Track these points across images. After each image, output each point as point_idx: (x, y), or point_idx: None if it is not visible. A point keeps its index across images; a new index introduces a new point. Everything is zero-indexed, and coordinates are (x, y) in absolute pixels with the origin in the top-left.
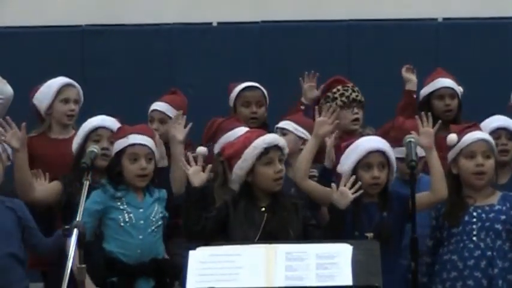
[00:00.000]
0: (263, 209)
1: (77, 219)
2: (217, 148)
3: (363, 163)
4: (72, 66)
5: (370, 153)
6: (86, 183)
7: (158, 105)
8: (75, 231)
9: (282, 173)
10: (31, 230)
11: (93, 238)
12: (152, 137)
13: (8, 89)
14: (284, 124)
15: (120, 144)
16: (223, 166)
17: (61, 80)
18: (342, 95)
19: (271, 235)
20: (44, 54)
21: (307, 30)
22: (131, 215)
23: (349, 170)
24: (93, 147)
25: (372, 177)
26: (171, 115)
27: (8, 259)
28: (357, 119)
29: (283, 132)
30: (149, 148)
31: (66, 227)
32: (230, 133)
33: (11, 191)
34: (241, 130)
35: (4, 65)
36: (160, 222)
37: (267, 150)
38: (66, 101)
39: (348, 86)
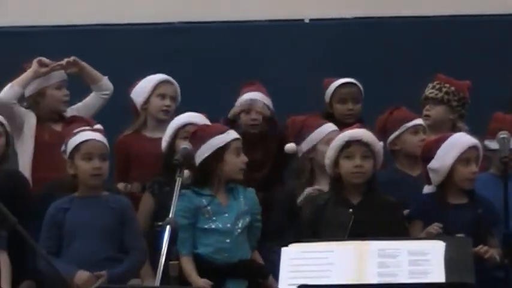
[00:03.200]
0: (351, 210)
1: (170, 215)
2: (305, 146)
3: (462, 158)
4: (161, 62)
5: (470, 148)
6: (179, 180)
7: (254, 95)
8: (168, 227)
9: (361, 168)
10: (129, 231)
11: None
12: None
13: (111, 85)
14: None
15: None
16: (312, 164)
17: (159, 76)
18: (423, 93)
19: (359, 235)
20: (131, 51)
21: (394, 26)
22: (217, 222)
23: (448, 165)
24: (186, 144)
25: (472, 172)
26: (266, 102)
27: (107, 262)
28: (426, 116)
29: None
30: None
31: (159, 223)
32: (318, 130)
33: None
34: (329, 126)
35: (96, 61)
36: (246, 224)
37: (349, 143)
38: (162, 96)
39: (433, 83)
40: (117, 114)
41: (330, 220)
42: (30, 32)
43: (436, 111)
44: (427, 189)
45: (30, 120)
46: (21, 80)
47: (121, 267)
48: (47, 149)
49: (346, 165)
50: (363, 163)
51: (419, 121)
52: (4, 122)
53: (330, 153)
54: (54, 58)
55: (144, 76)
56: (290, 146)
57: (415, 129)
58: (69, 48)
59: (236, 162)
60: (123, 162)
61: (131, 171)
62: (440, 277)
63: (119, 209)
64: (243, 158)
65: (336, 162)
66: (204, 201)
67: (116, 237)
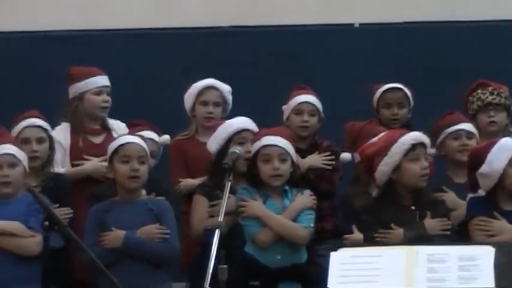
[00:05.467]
0: (413, 207)
1: (219, 220)
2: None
3: None
4: (213, 67)
5: None
6: (228, 184)
7: (306, 98)
8: (217, 231)
9: (428, 170)
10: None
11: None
12: (288, 137)
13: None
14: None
15: (254, 146)
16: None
17: (202, 83)
18: (478, 98)
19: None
20: (186, 55)
21: (443, 30)
22: None
23: (500, 169)
24: (236, 148)
25: None
26: (318, 106)
27: (148, 263)
28: (492, 122)
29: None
30: (283, 149)
31: (208, 227)
32: (374, 138)
33: (165, 189)
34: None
35: (149, 64)
36: None
37: (414, 146)
38: (204, 103)
39: (487, 89)
40: (173, 118)
41: (387, 222)
42: (84, 35)
43: (500, 117)
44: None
45: (65, 135)
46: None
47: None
48: (80, 158)
49: (413, 168)
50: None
51: (462, 126)
52: (48, 127)
53: (391, 159)
54: (106, 62)
55: (196, 80)
56: (345, 156)
57: (457, 135)
58: (122, 52)
59: (416, 169)
60: (180, 161)
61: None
62: (489, 282)
63: (157, 211)
64: (422, 164)
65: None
66: (260, 200)
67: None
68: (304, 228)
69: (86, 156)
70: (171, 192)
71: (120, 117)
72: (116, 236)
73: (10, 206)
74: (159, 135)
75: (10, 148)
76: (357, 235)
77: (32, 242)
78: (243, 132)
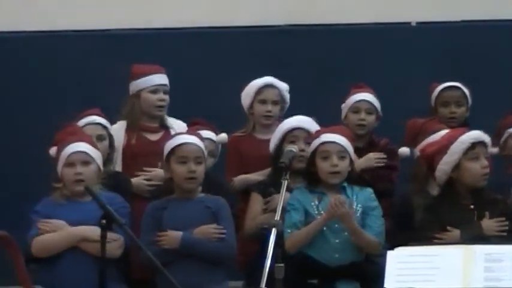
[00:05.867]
0: (472, 206)
1: (276, 218)
2: (419, 150)
3: None
4: (269, 65)
5: None
6: (285, 183)
7: (362, 96)
8: (274, 230)
9: (488, 169)
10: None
11: None
12: (347, 136)
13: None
14: None
15: (313, 143)
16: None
17: (261, 81)
18: None
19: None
20: (244, 53)
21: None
22: None
23: None
24: (292, 147)
25: None
26: (375, 104)
27: (205, 261)
28: None
29: None
30: (341, 146)
31: (265, 226)
32: (434, 136)
33: (225, 187)
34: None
35: (206, 63)
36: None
37: (474, 145)
38: (263, 102)
39: None
40: (230, 115)
41: (446, 221)
42: (138, 34)
43: None
44: None
45: (120, 133)
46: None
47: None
48: (133, 154)
49: (473, 167)
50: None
51: None
52: (107, 125)
53: (451, 158)
54: (164, 60)
55: (253, 78)
56: (403, 150)
57: None
58: (180, 51)
59: (476, 168)
60: (234, 159)
61: (241, 170)
62: None
63: (214, 208)
64: (483, 162)
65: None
66: (316, 199)
67: None
68: (377, 241)
69: (136, 173)
70: (229, 190)
71: (178, 116)
72: (173, 236)
73: (83, 205)
74: (217, 133)
75: (84, 146)
76: (455, 232)
77: (116, 245)
78: (294, 130)
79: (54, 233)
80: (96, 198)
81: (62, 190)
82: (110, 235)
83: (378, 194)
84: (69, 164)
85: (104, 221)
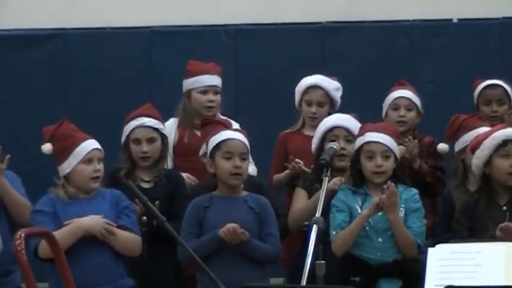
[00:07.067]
0: (504, 207)
1: (317, 215)
2: (457, 146)
3: None
4: (312, 63)
5: None
6: (326, 180)
7: (401, 93)
8: (315, 227)
9: None
10: (266, 231)
11: None
12: (391, 133)
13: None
14: None
15: (357, 141)
16: (464, 165)
17: (308, 81)
18: None
19: None
20: (284, 51)
21: None
22: (369, 220)
23: None
24: (333, 144)
25: None
26: (415, 101)
27: (246, 258)
28: None
29: None
30: (385, 145)
31: (306, 223)
32: (472, 132)
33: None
34: (484, 130)
35: (252, 60)
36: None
37: (505, 142)
38: (308, 103)
39: None
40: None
41: (483, 220)
42: (185, 31)
43: None
44: None
45: (171, 130)
46: None
47: (259, 243)
48: (185, 151)
49: (502, 165)
50: None
51: None
52: (158, 126)
53: (483, 153)
54: (206, 57)
55: (303, 75)
56: (442, 146)
57: None
58: (223, 47)
59: (505, 166)
60: (280, 157)
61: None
62: None
63: (258, 209)
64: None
65: (487, 162)
66: (359, 199)
67: (255, 237)
68: (415, 241)
69: None
70: (268, 189)
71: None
72: (238, 232)
73: (90, 202)
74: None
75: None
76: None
77: (139, 245)
78: (334, 129)
79: (58, 230)
80: (137, 194)
81: (66, 187)
82: (131, 235)
83: (426, 193)
84: (88, 160)
85: (144, 218)
